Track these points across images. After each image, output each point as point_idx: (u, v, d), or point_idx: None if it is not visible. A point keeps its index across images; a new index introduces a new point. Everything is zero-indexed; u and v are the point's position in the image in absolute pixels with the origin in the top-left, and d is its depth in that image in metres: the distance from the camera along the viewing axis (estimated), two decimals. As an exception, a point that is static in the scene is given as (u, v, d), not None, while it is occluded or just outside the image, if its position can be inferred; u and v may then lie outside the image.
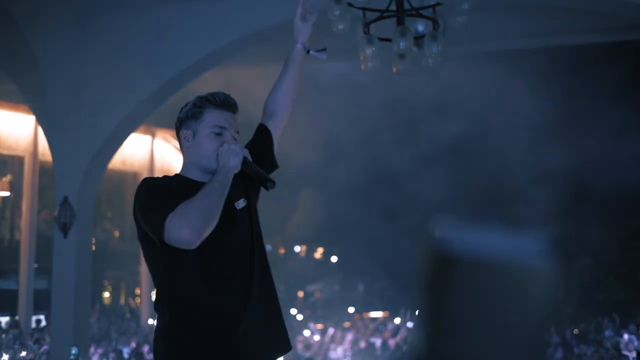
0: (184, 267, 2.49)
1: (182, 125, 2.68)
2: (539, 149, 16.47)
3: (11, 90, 10.51)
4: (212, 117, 2.66)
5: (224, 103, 2.69)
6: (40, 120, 9.20)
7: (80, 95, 8.48)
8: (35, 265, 15.82)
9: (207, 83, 9.23)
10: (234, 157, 2.58)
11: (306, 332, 14.20)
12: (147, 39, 8.36)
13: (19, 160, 16.06)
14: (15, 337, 13.57)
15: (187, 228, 2.34)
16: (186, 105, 2.71)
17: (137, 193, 2.54)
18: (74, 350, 7.19)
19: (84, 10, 8.31)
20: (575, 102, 16.14)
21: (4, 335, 13.89)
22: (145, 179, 2.61)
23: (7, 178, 16.47)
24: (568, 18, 8.55)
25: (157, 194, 2.49)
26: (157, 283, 2.56)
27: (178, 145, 2.80)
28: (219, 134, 2.65)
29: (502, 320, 0.62)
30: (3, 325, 15.21)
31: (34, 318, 15.70)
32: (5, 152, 15.70)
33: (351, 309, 18.21)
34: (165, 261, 2.50)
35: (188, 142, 2.65)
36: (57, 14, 8.28)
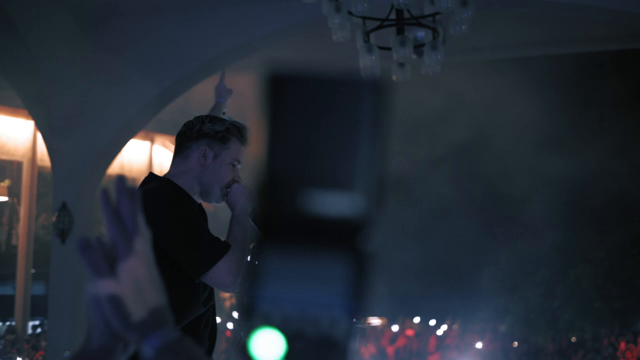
0: (190, 295, 2.51)
1: (204, 140, 2.63)
2: (540, 157, 16.50)
3: (10, 95, 10.51)
4: (237, 150, 2.67)
5: (248, 141, 2.69)
6: (39, 126, 9.20)
7: (80, 101, 8.49)
8: (33, 271, 15.78)
9: (208, 89, 9.25)
10: (251, 204, 2.61)
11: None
12: (147, 46, 8.37)
13: (17, 165, 16.05)
14: (12, 342, 13.54)
15: (234, 275, 2.40)
16: (212, 121, 2.66)
17: (161, 214, 2.43)
18: (65, 354, 7.20)
19: (85, 16, 8.33)
20: (578, 111, 16.16)
21: (1, 341, 13.86)
22: (176, 197, 2.54)
23: (6, 183, 16.47)
24: (572, 26, 8.56)
25: (193, 225, 2.47)
26: None
27: (175, 148, 2.72)
28: (234, 167, 2.67)
29: (332, 136, 0.62)
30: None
31: (30, 324, 15.67)
32: (3, 157, 15.68)
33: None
34: (177, 287, 2.45)
35: (205, 160, 2.61)
36: (59, 19, 8.29)
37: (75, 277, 8.77)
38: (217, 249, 2.40)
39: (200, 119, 2.68)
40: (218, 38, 8.00)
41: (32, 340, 13.46)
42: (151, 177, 2.72)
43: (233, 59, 8.37)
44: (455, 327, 14.03)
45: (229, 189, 2.65)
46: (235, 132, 2.67)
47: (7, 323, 16.20)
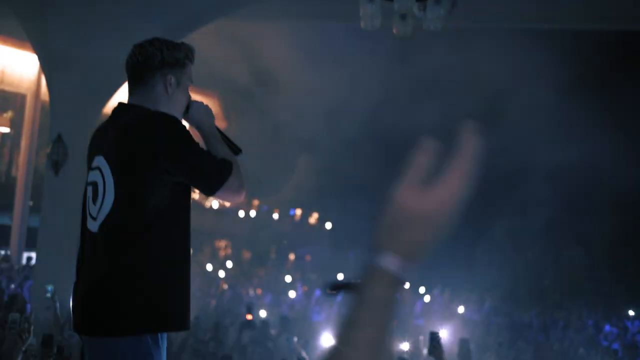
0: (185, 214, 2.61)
1: (167, 69, 2.66)
2: (550, 135, 16.31)
3: (14, 25, 10.41)
4: (190, 70, 2.74)
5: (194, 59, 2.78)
6: (39, 56, 9.12)
7: (81, 33, 8.39)
8: (31, 203, 15.85)
9: (211, 34, 9.14)
10: (213, 117, 2.79)
11: (292, 294, 14.26)
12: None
13: (21, 97, 16.01)
14: (5, 270, 13.65)
15: (243, 186, 2.62)
16: (169, 48, 2.68)
17: (174, 135, 2.53)
18: (50, 288, 7.18)
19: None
20: (595, 93, 15.88)
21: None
22: (176, 120, 2.62)
23: (8, 115, 16.43)
24: (602, 2, 8.31)
25: (201, 147, 2.60)
26: (142, 220, 2.54)
27: (133, 77, 2.70)
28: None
29: None
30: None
31: (25, 255, 15.80)
32: (7, 88, 15.64)
33: (340, 276, 18.27)
34: (170, 213, 2.56)
35: (170, 88, 2.66)
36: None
37: (67, 209, 8.72)
38: (227, 166, 2.57)
39: (157, 47, 2.67)
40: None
41: (25, 270, 13.54)
42: (124, 106, 2.72)
43: (236, 6, 8.23)
44: (443, 295, 14.07)
45: (188, 108, 2.75)
46: (187, 53, 2.72)
47: (2, 251, 16.33)
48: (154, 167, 2.50)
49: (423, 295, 14.58)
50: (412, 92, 15.21)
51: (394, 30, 4.89)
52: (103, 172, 2.56)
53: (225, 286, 14.24)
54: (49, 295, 8.06)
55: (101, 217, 2.54)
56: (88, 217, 2.62)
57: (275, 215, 23.53)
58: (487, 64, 13.58)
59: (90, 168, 2.66)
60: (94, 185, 2.59)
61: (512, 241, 16.70)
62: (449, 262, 16.19)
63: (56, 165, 8.60)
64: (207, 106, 2.77)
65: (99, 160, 2.59)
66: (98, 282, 2.53)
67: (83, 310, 2.55)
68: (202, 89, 14.57)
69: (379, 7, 4.60)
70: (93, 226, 2.58)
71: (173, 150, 2.51)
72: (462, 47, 11.57)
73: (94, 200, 2.58)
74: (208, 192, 2.58)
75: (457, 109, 15.04)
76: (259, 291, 14.59)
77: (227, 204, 22.18)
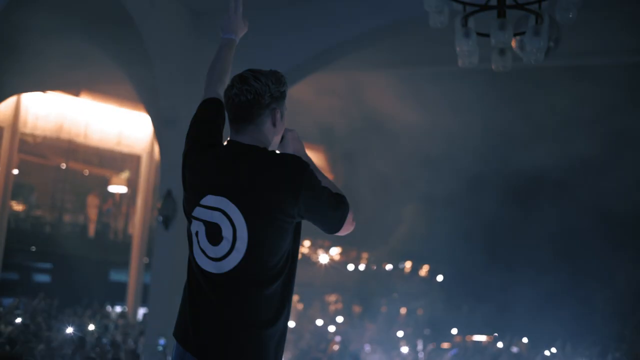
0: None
1: (274, 103, 2.53)
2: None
3: (129, 89, 10.90)
4: (286, 100, 2.63)
5: None
6: (150, 115, 9.47)
7: (189, 91, 8.66)
8: (146, 260, 16.35)
9: (312, 86, 9.22)
10: (303, 144, 2.69)
11: (404, 349, 13.91)
12: (254, 40, 8.41)
13: (137, 158, 16.73)
14: (121, 326, 14.06)
15: (354, 219, 2.54)
16: (275, 82, 2.55)
17: (309, 178, 2.43)
18: (161, 342, 7.28)
19: (196, 8, 8.50)
20: None
21: (112, 324, 14.43)
22: (308, 163, 2.51)
23: (125, 175, 17.17)
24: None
25: (326, 187, 2.52)
26: (273, 276, 2.42)
27: (243, 116, 2.55)
28: None
29: None
30: (113, 315, 15.85)
31: (141, 311, 16.25)
32: (124, 150, 16.37)
33: (454, 330, 17.69)
34: (293, 256, 2.46)
35: (278, 122, 2.55)
36: (171, 12, 8.51)
37: (177, 263, 8.90)
38: (344, 200, 2.51)
39: (264, 83, 2.54)
40: (321, 34, 7.91)
41: (141, 326, 13.91)
42: (241, 146, 2.55)
43: (335, 58, 8.25)
44: (564, 350, 13.33)
45: (282, 137, 2.65)
46: (287, 84, 2.61)
47: (119, 308, 16.87)
48: (288, 211, 2.40)
49: (542, 350, 13.89)
50: (522, 135, 14.79)
51: (493, 66, 4.73)
52: (230, 216, 2.43)
53: (336, 347, 13.98)
54: (160, 349, 8.18)
55: (231, 261, 2.42)
56: (202, 255, 2.48)
57: (387, 267, 23.27)
58: (603, 101, 13.01)
59: (199, 204, 2.49)
60: (214, 226, 2.45)
61: (636, 290, 15.69)
62: (569, 314, 15.42)
63: (166, 220, 8.81)
64: (296, 132, 2.68)
65: (221, 202, 2.44)
66: (227, 325, 2.41)
67: (207, 344, 2.45)
68: (309, 142, 14.74)
69: (476, 44, 4.46)
70: (213, 267, 2.45)
71: (309, 195, 2.41)
72: (574, 83, 11.16)
73: (213, 241, 2.45)
74: (334, 230, 2.51)
75: (573, 149, 14.45)
76: (369, 347, 14.33)
77: (337, 258, 22.16)
